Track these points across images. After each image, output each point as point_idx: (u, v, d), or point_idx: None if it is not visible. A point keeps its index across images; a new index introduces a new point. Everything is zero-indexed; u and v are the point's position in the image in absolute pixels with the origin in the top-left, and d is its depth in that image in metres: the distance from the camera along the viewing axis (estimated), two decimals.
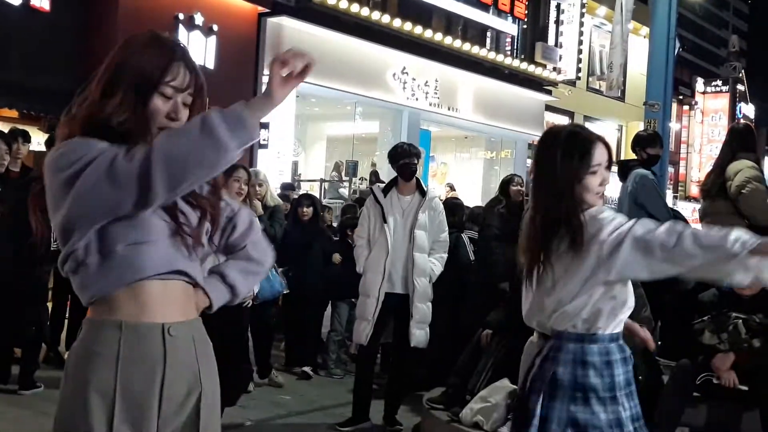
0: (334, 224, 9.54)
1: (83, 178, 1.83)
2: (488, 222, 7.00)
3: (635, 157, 6.38)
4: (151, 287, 1.96)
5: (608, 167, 2.76)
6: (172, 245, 1.98)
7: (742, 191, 5.65)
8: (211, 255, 2.18)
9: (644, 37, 22.20)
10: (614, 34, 10.27)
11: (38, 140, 9.44)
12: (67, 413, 1.94)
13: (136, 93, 1.94)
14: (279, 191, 9.83)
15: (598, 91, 22.84)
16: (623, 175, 6.25)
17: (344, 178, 15.88)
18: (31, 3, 10.60)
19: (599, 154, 2.72)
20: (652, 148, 6.34)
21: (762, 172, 6.11)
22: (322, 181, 16.13)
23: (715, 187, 5.85)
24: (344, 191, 15.11)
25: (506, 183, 7.10)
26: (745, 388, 4.65)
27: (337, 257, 7.77)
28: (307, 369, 7.56)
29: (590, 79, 22.16)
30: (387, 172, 13.92)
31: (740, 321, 4.74)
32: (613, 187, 5.66)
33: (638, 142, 6.40)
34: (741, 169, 5.73)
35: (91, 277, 1.93)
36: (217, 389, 2.10)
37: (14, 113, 10.86)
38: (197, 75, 2.05)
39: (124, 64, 1.99)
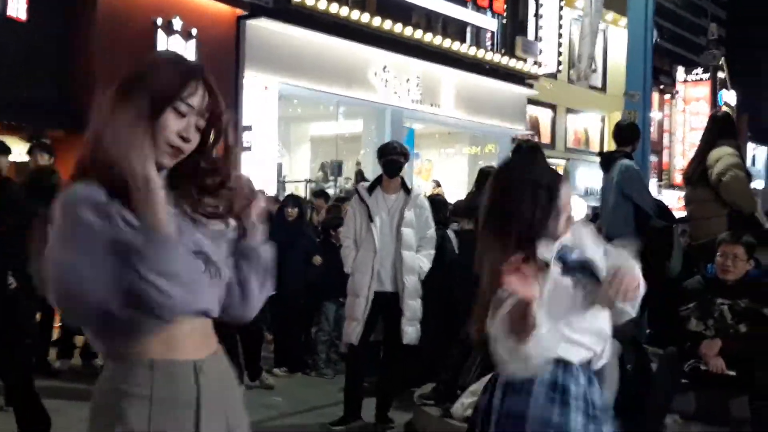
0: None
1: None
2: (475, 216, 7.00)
3: (617, 149, 6.40)
4: (179, 324, 1.87)
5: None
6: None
7: (723, 178, 5.71)
8: None
9: (624, 27, 22.27)
10: (584, 26, 10.31)
11: (19, 151, 9.40)
12: None
13: (149, 105, 1.85)
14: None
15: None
16: (606, 167, 6.27)
17: (330, 178, 15.89)
18: (8, 13, 10.53)
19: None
20: (636, 140, 6.37)
21: (743, 159, 6.17)
22: (307, 182, 16.13)
23: (696, 174, 5.91)
24: (330, 191, 15.14)
25: (487, 175, 7.08)
26: (733, 373, 4.68)
27: (317, 259, 7.78)
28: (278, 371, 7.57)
29: (571, 71, 22.20)
30: (372, 171, 13.94)
31: (726, 306, 4.78)
32: (597, 179, 5.69)
33: (625, 135, 6.36)
34: (721, 156, 5.78)
35: (113, 326, 1.83)
36: (246, 421, 2.05)
37: None
38: (217, 101, 1.96)
39: (139, 76, 1.90)
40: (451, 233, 7.16)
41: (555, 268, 2.40)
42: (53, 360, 7.27)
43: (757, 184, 26.42)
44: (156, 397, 1.83)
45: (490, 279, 2.43)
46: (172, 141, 1.89)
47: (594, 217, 9.63)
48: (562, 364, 2.45)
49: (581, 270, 2.42)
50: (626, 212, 5.95)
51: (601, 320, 2.48)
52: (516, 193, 2.45)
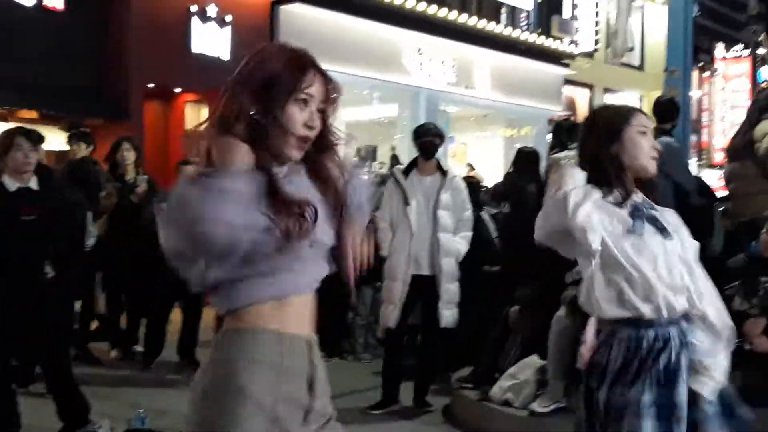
0: None
1: None
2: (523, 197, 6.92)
3: (657, 126, 6.28)
4: (293, 299, 1.96)
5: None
6: (312, 260, 1.99)
7: None
8: None
9: (663, 4, 21.94)
10: (620, 2, 10.14)
11: (58, 140, 9.50)
12: (220, 420, 1.87)
13: (271, 99, 1.91)
14: None
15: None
16: None
17: (365, 162, 15.88)
18: (44, 3, 10.63)
19: (643, 119, 2.72)
20: (676, 116, 6.25)
21: None
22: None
23: (741, 148, 5.75)
24: (365, 176, 15.12)
25: (526, 156, 7.00)
26: None
27: None
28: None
29: (608, 50, 21.89)
30: (408, 156, 13.89)
31: None
32: None
33: (665, 111, 6.24)
34: None
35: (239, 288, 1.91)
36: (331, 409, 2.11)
37: (34, 114, 10.93)
38: (331, 85, 2.04)
39: (257, 71, 1.94)
40: (486, 215, 7.10)
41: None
42: (105, 351, 7.33)
43: None
44: (285, 366, 1.92)
45: None
46: (299, 132, 1.93)
47: None
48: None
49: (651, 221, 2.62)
50: (666, 190, 5.84)
51: None
52: None
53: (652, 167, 2.68)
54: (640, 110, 2.78)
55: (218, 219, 1.74)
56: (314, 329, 2.05)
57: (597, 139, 2.67)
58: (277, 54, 1.99)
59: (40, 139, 5.33)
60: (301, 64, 1.97)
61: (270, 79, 1.91)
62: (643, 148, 2.65)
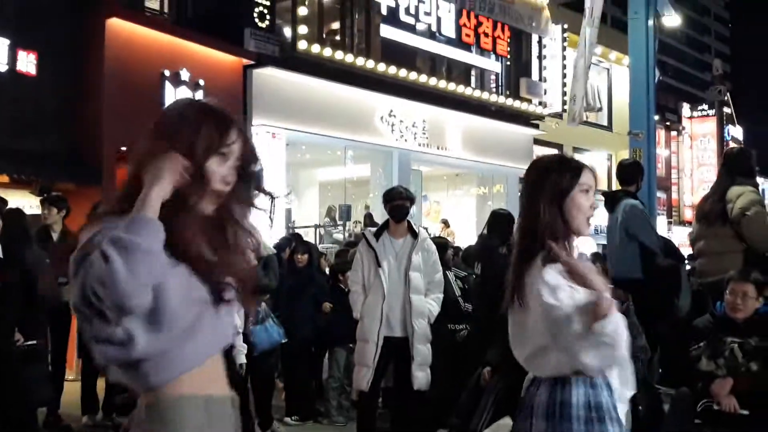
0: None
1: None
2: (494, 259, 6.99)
3: (621, 188, 6.40)
4: (214, 360, 1.95)
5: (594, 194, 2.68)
6: (226, 318, 1.97)
7: (747, 213, 5.66)
8: None
9: (627, 66, 22.40)
10: (577, 68, 10.38)
11: (31, 204, 9.47)
12: None
13: (196, 153, 1.89)
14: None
15: (585, 122, 22.98)
16: (611, 206, 6.27)
17: (338, 222, 15.95)
18: (18, 68, 10.70)
19: (589, 177, 2.60)
20: (640, 178, 6.37)
21: (762, 197, 6.14)
22: (316, 227, 16.16)
23: (715, 212, 5.83)
24: (339, 236, 15.15)
25: (499, 218, 7.10)
26: (746, 412, 4.64)
27: (326, 306, 7.78)
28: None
29: (565, 114, 22.24)
30: (381, 214, 13.97)
31: (736, 345, 4.74)
32: (601, 217, 5.68)
33: (628, 174, 6.37)
34: (743, 192, 5.75)
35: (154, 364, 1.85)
36: None
37: (5, 178, 10.90)
38: (251, 145, 2.02)
39: (181, 125, 1.93)
40: (451, 275, 7.16)
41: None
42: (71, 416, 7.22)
43: None
44: None
45: None
46: (216, 186, 1.93)
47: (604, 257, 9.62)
48: (588, 381, 2.50)
49: None
50: (632, 252, 5.93)
51: None
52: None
53: (586, 229, 2.61)
54: (585, 167, 2.68)
55: (140, 282, 1.70)
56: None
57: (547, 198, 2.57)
58: (200, 110, 1.99)
59: (3, 202, 5.33)
60: (225, 120, 1.97)
61: (197, 134, 1.90)
62: (583, 208, 2.59)
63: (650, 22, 9.49)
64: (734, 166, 6.01)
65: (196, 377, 1.87)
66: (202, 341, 1.88)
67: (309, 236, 15.00)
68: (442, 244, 7.59)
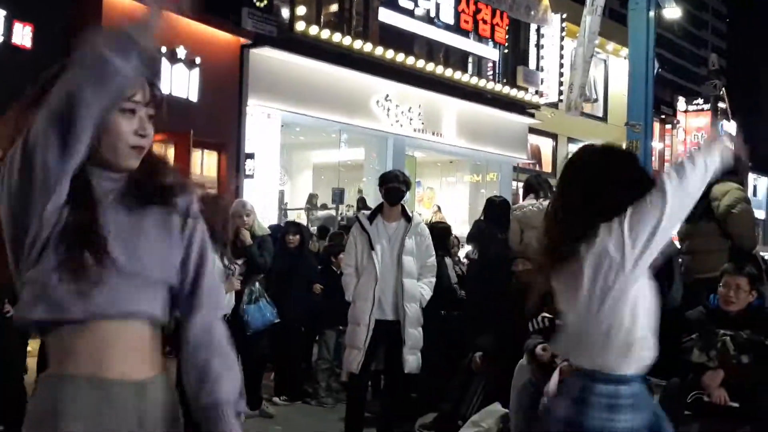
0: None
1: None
2: (488, 245, 7.01)
3: None
4: (108, 331, 1.77)
5: None
6: (122, 289, 1.80)
7: (732, 211, 5.68)
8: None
9: (624, 58, 22.41)
10: (576, 56, 10.37)
11: None
12: None
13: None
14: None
15: (580, 113, 22.98)
16: None
17: (318, 208, 16.03)
18: (13, 41, 10.61)
19: None
20: None
21: (747, 193, 6.16)
22: (308, 209, 16.16)
23: (700, 209, 5.86)
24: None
25: (495, 205, 7.13)
26: (736, 404, 4.65)
27: (317, 287, 7.77)
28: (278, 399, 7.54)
29: (563, 103, 22.26)
30: (374, 199, 13.96)
31: (728, 338, 4.75)
32: None
33: None
34: (729, 190, 5.76)
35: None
36: None
37: None
38: (157, 88, 1.93)
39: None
40: (448, 261, 7.16)
41: None
42: None
43: (759, 215, 26.38)
44: (104, 420, 1.73)
45: None
46: (130, 142, 1.85)
47: None
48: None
49: None
50: None
51: None
52: None
53: None
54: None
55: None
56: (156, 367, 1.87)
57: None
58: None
59: None
60: None
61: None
62: None
63: (651, 14, 9.47)
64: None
65: (87, 347, 1.75)
66: (80, 300, 1.74)
67: (301, 218, 15.00)
68: (444, 229, 7.59)
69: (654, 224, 2.43)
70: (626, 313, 2.50)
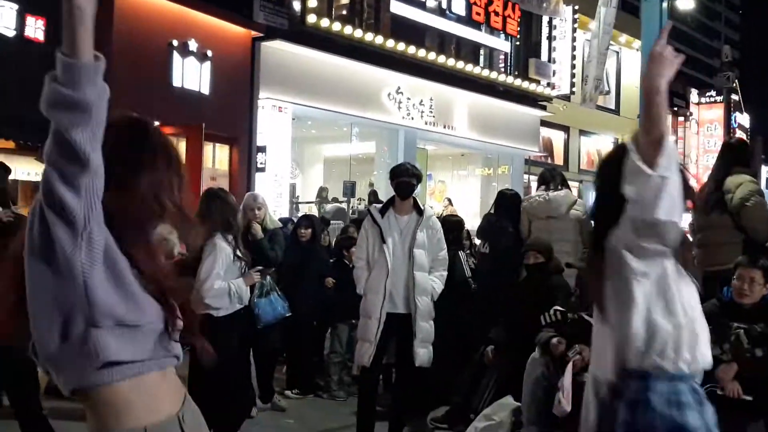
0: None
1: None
2: (499, 238, 7.00)
3: None
4: (157, 375, 1.83)
5: None
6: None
7: (746, 203, 5.64)
8: None
9: (637, 50, 22.33)
10: (591, 48, 10.29)
11: (36, 171, 9.45)
12: None
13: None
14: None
15: None
16: None
17: (329, 201, 16.03)
18: (26, 34, 10.64)
19: None
20: None
21: (760, 186, 6.11)
22: (318, 202, 16.18)
23: (712, 200, 5.83)
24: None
25: (507, 198, 7.13)
26: (749, 398, 4.63)
27: (329, 281, 7.77)
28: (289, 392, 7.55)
29: (577, 95, 22.21)
30: (385, 192, 13.95)
31: (742, 331, 4.73)
32: None
33: None
34: (742, 182, 5.72)
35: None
36: None
37: (11, 144, 10.88)
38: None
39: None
40: (462, 255, 7.14)
41: None
42: None
43: None
44: None
45: None
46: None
47: None
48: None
49: None
50: None
51: None
52: None
53: None
54: None
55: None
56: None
57: None
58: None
59: (6, 170, 5.31)
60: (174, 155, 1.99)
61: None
62: None
63: (664, 5, 9.41)
64: (731, 156, 5.98)
65: (133, 394, 1.77)
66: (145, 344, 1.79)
67: (313, 211, 15.00)
68: (455, 222, 7.57)
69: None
70: None
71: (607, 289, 2.51)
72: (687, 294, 2.50)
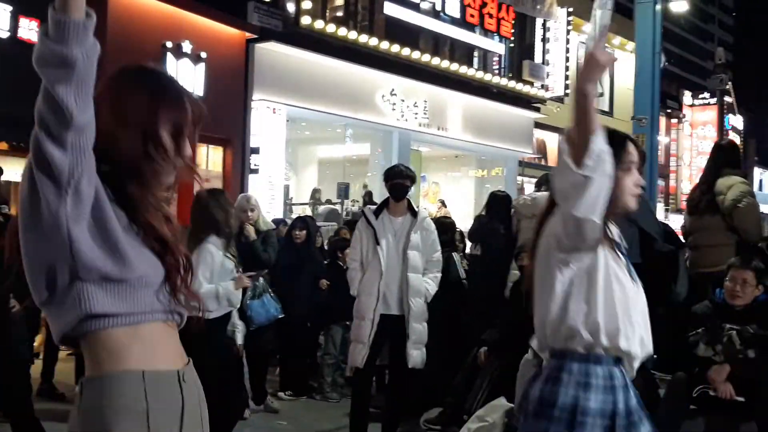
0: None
1: None
2: (491, 240, 7.01)
3: None
4: (155, 328, 1.82)
5: (640, 168, 2.71)
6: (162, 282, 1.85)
7: (738, 205, 5.66)
8: None
9: (631, 52, 22.37)
10: (586, 50, 10.35)
11: None
12: None
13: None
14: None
15: None
16: None
17: (322, 203, 16.02)
18: (19, 35, 10.62)
19: (632, 151, 2.63)
20: (643, 164, 6.36)
21: (752, 187, 6.15)
22: (312, 204, 16.17)
23: (704, 202, 5.85)
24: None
25: (499, 200, 7.13)
26: (741, 399, 4.64)
27: (323, 283, 7.76)
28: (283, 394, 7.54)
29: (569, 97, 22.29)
30: (380, 193, 13.96)
31: (734, 332, 4.74)
32: None
33: None
34: (734, 184, 5.75)
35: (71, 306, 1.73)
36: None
37: (4, 145, 10.85)
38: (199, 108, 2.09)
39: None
40: (456, 257, 7.15)
41: None
42: (70, 386, 7.22)
43: (765, 209, 26.30)
44: (152, 411, 1.76)
45: None
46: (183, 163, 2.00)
47: None
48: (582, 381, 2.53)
49: None
50: (631, 236, 5.91)
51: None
52: None
53: (632, 204, 2.68)
54: (630, 140, 2.72)
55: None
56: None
57: None
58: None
59: None
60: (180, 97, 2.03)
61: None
62: (626, 187, 2.63)
63: (657, 7, 9.44)
64: (722, 158, 6.00)
65: (131, 344, 1.77)
66: (135, 294, 1.78)
67: (306, 213, 14.99)
68: (449, 224, 7.58)
69: None
70: None
71: (535, 274, 2.62)
72: (619, 291, 2.53)
